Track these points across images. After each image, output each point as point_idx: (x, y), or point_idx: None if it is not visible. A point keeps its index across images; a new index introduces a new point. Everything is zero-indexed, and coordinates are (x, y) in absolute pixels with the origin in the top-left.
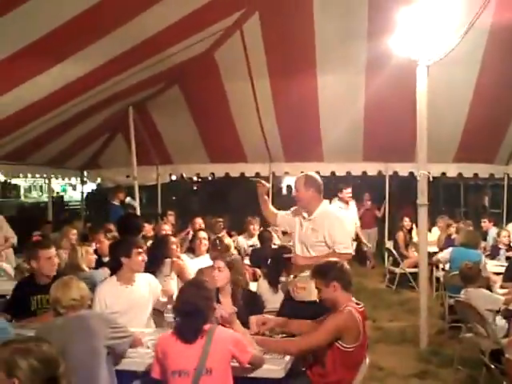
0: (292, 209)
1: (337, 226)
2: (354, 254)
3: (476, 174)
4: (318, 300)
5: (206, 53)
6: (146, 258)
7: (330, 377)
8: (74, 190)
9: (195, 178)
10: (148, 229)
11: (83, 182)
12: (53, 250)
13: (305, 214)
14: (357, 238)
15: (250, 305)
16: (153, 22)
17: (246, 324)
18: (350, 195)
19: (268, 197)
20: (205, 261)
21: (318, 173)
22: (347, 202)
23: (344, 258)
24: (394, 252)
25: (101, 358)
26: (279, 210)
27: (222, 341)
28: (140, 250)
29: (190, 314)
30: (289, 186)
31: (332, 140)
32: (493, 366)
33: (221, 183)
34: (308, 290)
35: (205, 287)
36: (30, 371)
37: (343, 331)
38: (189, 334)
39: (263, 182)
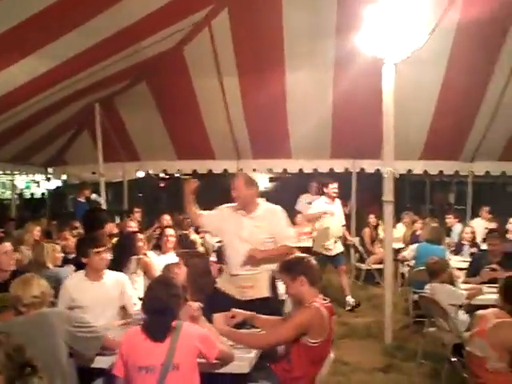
0: (218, 209)
1: (284, 221)
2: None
3: (441, 171)
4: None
5: (174, 48)
6: (106, 257)
7: (296, 372)
8: (38, 186)
9: (162, 175)
10: (111, 226)
11: (48, 179)
12: (8, 245)
13: (241, 212)
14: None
15: (213, 301)
16: (120, 16)
17: (209, 320)
18: (336, 190)
19: (195, 195)
20: (171, 258)
21: (285, 170)
22: (333, 198)
23: (295, 251)
24: (360, 248)
25: (62, 356)
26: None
27: (189, 336)
28: (99, 249)
29: (159, 311)
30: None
31: (300, 137)
32: (454, 359)
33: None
34: (258, 287)
35: (173, 284)
36: (5, 360)
37: (309, 327)
38: (158, 332)
39: (193, 179)
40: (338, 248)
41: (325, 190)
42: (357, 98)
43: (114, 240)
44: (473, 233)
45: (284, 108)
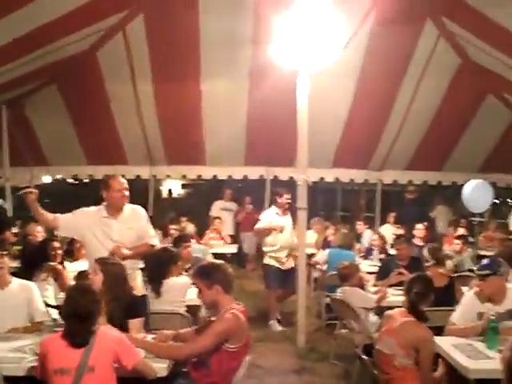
0: (76, 212)
1: (146, 220)
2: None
3: (352, 180)
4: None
5: (87, 52)
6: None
7: (214, 377)
8: None
9: (70, 180)
10: (9, 235)
11: None
12: None
13: (105, 214)
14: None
15: (129, 308)
16: (32, 16)
17: (124, 326)
18: (290, 201)
19: (35, 203)
20: (83, 265)
21: (199, 176)
22: (285, 210)
23: (153, 249)
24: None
25: None
26: (160, 212)
27: (105, 338)
28: None
29: (78, 317)
30: (170, 190)
31: (215, 144)
32: (365, 357)
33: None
34: (135, 287)
35: (91, 290)
36: None
37: (230, 334)
38: (80, 338)
39: (32, 189)
40: (290, 263)
41: (278, 200)
42: (271, 107)
43: (15, 248)
44: (381, 238)
45: (199, 115)
